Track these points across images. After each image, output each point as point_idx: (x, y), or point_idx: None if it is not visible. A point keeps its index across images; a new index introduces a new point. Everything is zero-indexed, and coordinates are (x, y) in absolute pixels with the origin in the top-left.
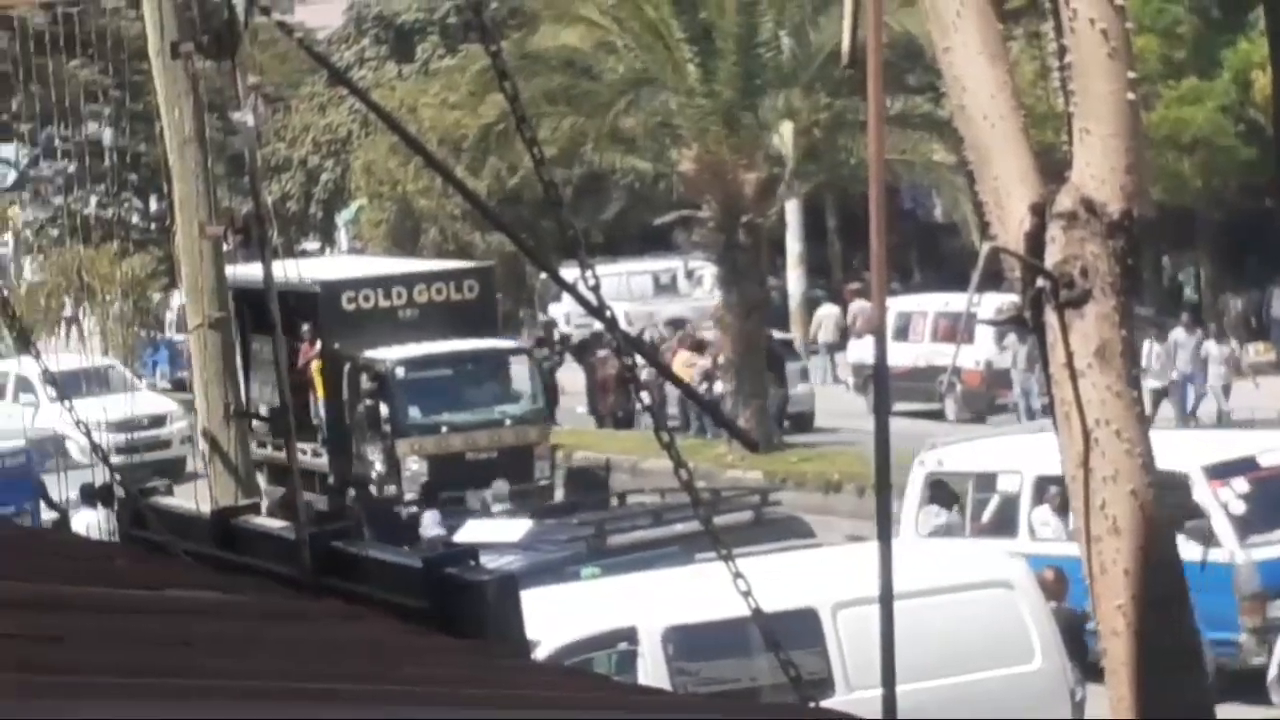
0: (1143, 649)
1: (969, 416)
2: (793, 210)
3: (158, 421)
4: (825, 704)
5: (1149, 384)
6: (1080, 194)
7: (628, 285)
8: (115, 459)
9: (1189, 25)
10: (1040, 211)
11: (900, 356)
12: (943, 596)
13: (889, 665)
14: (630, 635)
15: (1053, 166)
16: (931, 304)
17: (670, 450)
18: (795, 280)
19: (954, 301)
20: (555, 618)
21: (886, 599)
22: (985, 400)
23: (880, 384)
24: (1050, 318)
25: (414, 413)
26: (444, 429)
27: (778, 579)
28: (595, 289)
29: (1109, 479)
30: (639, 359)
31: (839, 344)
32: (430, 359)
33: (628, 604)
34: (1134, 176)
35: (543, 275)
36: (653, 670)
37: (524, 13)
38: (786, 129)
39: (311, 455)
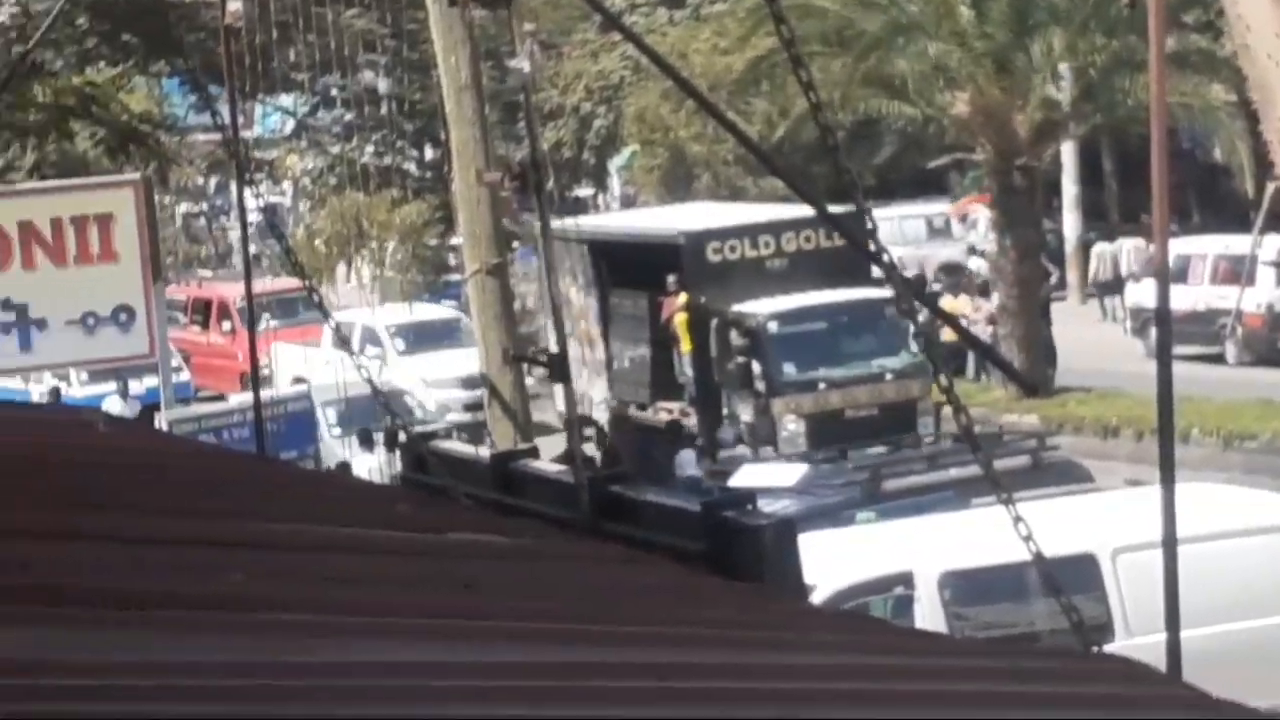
0: None
1: (1250, 360)
2: (1069, 152)
3: None
4: (1105, 649)
5: None
6: None
7: (900, 229)
8: (458, 417)
9: None
10: None
11: (1179, 300)
12: (1225, 541)
13: (1173, 610)
14: (907, 580)
15: None
16: (1211, 246)
17: (949, 394)
18: (1071, 224)
19: (1234, 244)
20: (831, 562)
21: (1170, 543)
22: (1267, 343)
23: (1164, 326)
24: None
25: (789, 369)
26: (821, 385)
27: (1056, 523)
28: (872, 233)
29: None
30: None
31: (1115, 285)
32: (805, 312)
33: (904, 548)
34: None
35: None
36: (929, 615)
37: None
38: (1061, 70)
39: (679, 414)
